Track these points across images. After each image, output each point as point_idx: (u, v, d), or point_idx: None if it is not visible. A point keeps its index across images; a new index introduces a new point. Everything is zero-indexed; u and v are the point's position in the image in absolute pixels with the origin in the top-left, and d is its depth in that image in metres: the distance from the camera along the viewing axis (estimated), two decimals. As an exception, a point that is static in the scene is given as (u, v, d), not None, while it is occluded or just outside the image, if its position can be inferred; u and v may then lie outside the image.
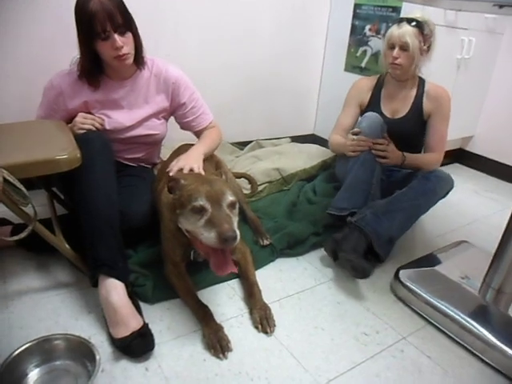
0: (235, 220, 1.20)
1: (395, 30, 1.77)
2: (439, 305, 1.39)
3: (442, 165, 2.63)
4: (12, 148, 1.34)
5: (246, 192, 2.07)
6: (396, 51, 1.78)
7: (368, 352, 1.27)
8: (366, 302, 1.49)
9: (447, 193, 1.80)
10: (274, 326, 1.32)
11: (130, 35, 1.46)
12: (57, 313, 1.32)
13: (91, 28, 1.38)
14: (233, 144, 2.57)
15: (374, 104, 1.96)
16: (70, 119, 1.57)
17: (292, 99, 2.78)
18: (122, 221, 1.39)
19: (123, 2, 1.44)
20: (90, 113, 1.59)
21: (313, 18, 2.63)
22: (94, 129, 1.52)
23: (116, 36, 1.41)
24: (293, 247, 1.71)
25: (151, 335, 1.20)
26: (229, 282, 1.52)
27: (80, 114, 1.53)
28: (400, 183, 1.85)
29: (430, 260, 1.63)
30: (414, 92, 1.90)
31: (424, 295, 1.43)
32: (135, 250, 1.57)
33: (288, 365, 1.20)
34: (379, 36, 2.30)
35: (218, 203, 1.18)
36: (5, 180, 1.16)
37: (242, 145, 2.60)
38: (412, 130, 1.91)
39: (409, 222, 1.69)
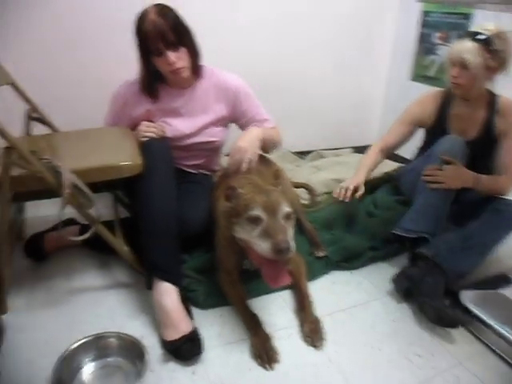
0: (290, 231, 1.19)
1: (455, 46, 1.61)
2: (502, 331, 1.29)
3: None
4: (82, 154, 1.44)
5: (304, 202, 2.06)
6: (455, 70, 1.60)
7: (421, 375, 1.21)
8: (422, 321, 1.41)
9: None
10: (324, 340, 1.30)
11: (183, 50, 1.52)
12: (113, 311, 1.39)
13: (146, 46, 1.48)
14: (294, 153, 2.57)
15: (440, 124, 1.80)
16: (134, 126, 1.64)
17: (355, 109, 2.74)
18: (180, 227, 1.44)
19: (177, 18, 1.51)
20: (151, 121, 1.66)
21: (378, 26, 2.58)
22: (156, 136, 1.58)
23: (168, 53, 1.48)
24: (348, 260, 1.67)
25: (200, 340, 1.23)
26: (280, 292, 1.51)
27: (143, 122, 1.60)
28: (472, 206, 1.71)
29: (496, 282, 1.51)
30: (483, 110, 1.72)
31: (485, 319, 1.34)
32: (191, 255, 1.61)
33: (335, 382, 1.17)
34: (448, 44, 2.20)
35: (273, 214, 1.17)
36: (73, 184, 1.25)
37: (303, 154, 2.59)
38: (482, 154, 1.73)
39: (484, 258, 1.56)
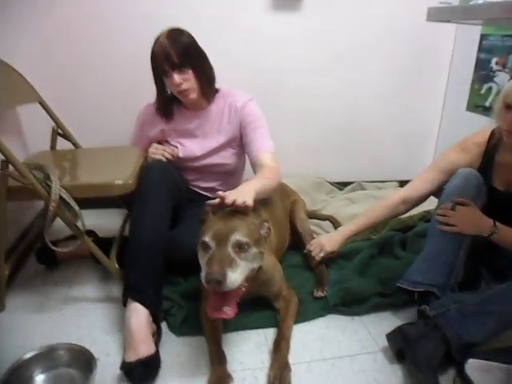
0: (242, 263, 1.12)
1: None
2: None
3: None
4: (79, 170, 1.53)
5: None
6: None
7: None
8: (414, 389, 1.22)
9: None
10: (288, 390, 1.18)
11: (189, 72, 1.54)
12: (94, 325, 1.42)
13: (156, 67, 1.55)
14: (333, 183, 2.45)
15: (484, 173, 1.51)
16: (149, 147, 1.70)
17: (405, 139, 2.53)
18: (171, 247, 1.44)
19: (187, 41, 1.55)
20: (166, 141, 1.71)
21: (434, 53, 2.38)
22: (163, 159, 1.61)
23: (174, 74, 1.52)
24: (350, 305, 1.52)
25: (156, 367, 1.21)
26: (265, 329, 1.43)
27: (153, 144, 1.66)
28: (508, 260, 1.48)
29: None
30: None
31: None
32: (186, 279, 1.59)
33: None
34: (506, 70, 1.94)
35: (223, 242, 1.12)
36: (61, 197, 1.32)
37: (343, 185, 2.46)
38: None
39: (501, 330, 1.29)
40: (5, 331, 1.37)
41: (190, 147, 1.71)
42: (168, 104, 1.68)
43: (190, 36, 1.58)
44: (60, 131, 1.73)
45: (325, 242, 1.66)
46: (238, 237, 1.13)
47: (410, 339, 1.27)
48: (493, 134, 1.51)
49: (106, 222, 1.95)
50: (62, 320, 1.44)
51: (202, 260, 1.16)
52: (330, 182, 2.46)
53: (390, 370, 1.28)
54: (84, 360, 1.18)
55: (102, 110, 2.13)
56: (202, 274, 1.11)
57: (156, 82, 1.63)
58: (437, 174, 1.57)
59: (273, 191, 1.56)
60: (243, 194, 1.33)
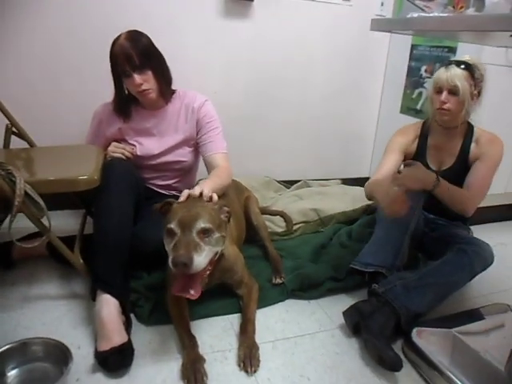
0: (206, 247, 1.20)
1: (443, 73, 1.65)
2: (448, 373, 1.23)
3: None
4: (44, 167, 1.53)
5: (279, 230, 2.06)
6: (444, 95, 1.64)
7: (350, 412, 1.16)
8: (367, 358, 1.36)
9: (484, 269, 1.59)
10: (257, 366, 1.27)
11: (149, 73, 1.61)
12: (60, 320, 1.42)
13: (115, 67, 1.59)
14: (280, 182, 2.59)
15: (419, 155, 1.82)
16: (108, 145, 1.72)
17: (346, 140, 2.74)
18: (136, 243, 1.48)
19: (146, 42, 1.61)
20: (124, 140, 1.74)
21: (371, 60, 2.61)
22: (123, 157, 1.65)
23: (135, 75, 1.58)
24: (306, 290, 1.64)
25: (131, 353, 1.24)
26: (229, 315, 1.51)
27: (112, 143, 1.69)
28: (443, 243, 1.68)
29: (452, 320, 1.46)
30: (461, 140, 1.75)
31: (432, 359, 1.28)
32: (149, 273, 1.63)
33: (257, 409, 1.15)
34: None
35: (188, 228, 1.19)
36: (26, 193, 1.31)
37: (289, 183, 2.61)
38: (459, 181, 1.72)
39: (440, 300, 1.50)
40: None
41: (147, 145, 1.75)
42: (125, 103, 1.72)
43: (148, 38, 1.64)
44: (14, 129, 1.70)
45: None
46: (201, 223, 1.20)
47: (364, 314, 1.42)
48: (425, 122, 1.83)
49: (59, 223, 1.93)
50: (24, 318, 1.41)
51: (168, 246, 1.22)
52: (277, 181, 2.59)
53: (347, 343, 1.42)
54: (59, 353, 1.19)
55: (56, 110, 2.11)
56: (169, 259, 1.16)
57: (114, 82, 1.66)
58: (395, 155, 1.82)
59: (225, 189, 1.65)
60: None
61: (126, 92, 1.71)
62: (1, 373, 1.15)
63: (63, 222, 1.91)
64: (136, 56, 1.56)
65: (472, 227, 1.96)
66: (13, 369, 1.17)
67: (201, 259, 1.17)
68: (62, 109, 2.11)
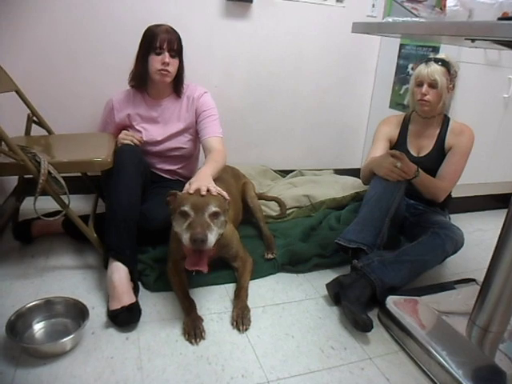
0: (215, 228, 1.39)
1: (424, 69, 1.84)
2: (414, 333, 1.41)
3: (495, 208, 2.58)
4: (63, 151, 1.72)
5: (273, 214, 2.24)
6: (425, 88, 1.83)
7: (327, 363, 1.34)
8: (346, 322, 1.54)
9: (456, 251, 1.78)
10: (249, 325, 1.46)
11: (176, 61, 1.86)
12: (76, 286, 1.61)
13: (152, 44, 1.80)
14: (276, 171, 2.77)
15: (401, 141, 2.03)
16: (118, 132, 1.92)
17: (339, 133, 2.92)
18: (144, 221, 1.68)
19: (181, 40, 1.87)
20: (131, 126, 1.95)
21: (363, 57, 2.79)
22: (132, 144, 1.84)
23: (167, 54, 1.81)
24: (295, 264, 1.83)
25: (138, 312, 1.43)
26: (226, 285, 1.69)
27: (123, 131, 1.88)
28: (420, 227, 1.87)
29: (423, 290, 1.64)
30: (438, 129, 1.94)
31: (401, 322, 1.46)
32: (154, 247, 1.82)
33: (247, 359, 1.33)
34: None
35: (200, 211, 1.38)
36: (49, 172, 1.50)
37: (285, 173, 2.78)
38: (435, 167, 1.93)
39: (414, 276, 1.68)
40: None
41: (152, 132, 1.95)
42: (143, 78, 1.90)
43: None
44: (35, 119, 1.89)
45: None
46: (213, 207, 1.40)
47: (343, 285, 1.60)
48: (406, 114, 2.06)
49: (74, 204, 2.12)
50: (44, 284, 1.60)
51: (181, 226, 1.39)
52: (274, 170, 2.77)
53: (329, 310, 1.61)
54: (77, 311, 1.38)
55: (71, 102, 2.29)
56: (186, 236, 1.34)
57: (140, 58, 1.86)
58: (383, 143, 2.04)
59: (222, 170, 1.82)
60: (202, 180, 1.56)
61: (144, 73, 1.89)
62: (29, 325, 1.35)
63: (78, 204, 2.11)
64: (175, 43, 1.82)
65: (454, 215, 2.15)
66: (38, 322, 1.37)
67: (212, 237, 1.35)
68: (76, 102, 2.30)
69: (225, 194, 1.52)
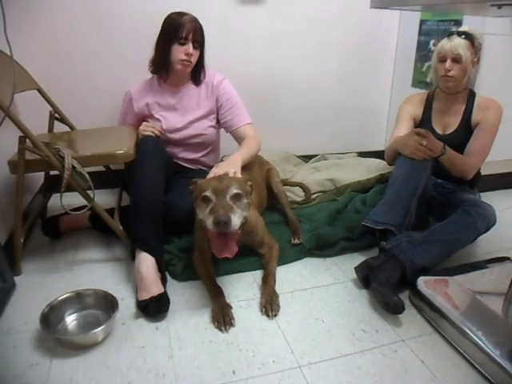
0: (238, 210, 1.37)
1: (446, 43, 1.77)
2: (447, 314, 1.37)
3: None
4: (85, 145, 1.74)
5: (298, 199, 2.22)
6: (448, 63, 1.77)
7: (359, 346, 1.32)
8: (377, 305, 1.51)
9: (488, 229, 1.72)
10: (278, 311, 1.45)
11: (198, 51, 1.87)
12: (105, 278, 1.63)
13: (176, 33, 1.79)
14: (299, 157, 2.74)
15: (425, 120, 1.97)
16: (138, 123, 1.94)
17: (361, 115, 2.86)
18: (169, 211, 1.68)
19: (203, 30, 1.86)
20: (151, 115, 1.96)
21: (383, 36, 2.71)
22: (153, 135, 1.84)
23: (191, 45, 1.81)
24: (322, 249, 1.81)
25: (167, 301, 1.44)
26: (253, 272, 1.69)
27: (143, 123, 1.89)
28: (449, 206, 1.81)
29: (455, 270, 1.59)
30: (464, 105, 1.87)
31: (434, 303, 1.42)
32: (180, 237, 1.82)
33: (277, 344, 1.32)
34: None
35: (222, 195, 1.37)
36: (73, 167, 1.52)
37: (308, 158, 2.75)
38: (463, 144, 1.86)
39: (445, 256, 1.63)
40: (26, 290, 1.55)
41: (171, 119, 1.96)
42: (164, 66, 1.90)
43: None
44: (57, 115, 1.91)
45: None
46: (234, 189, 1.39)
47: (373, 267, 1.57)
48: (430, 91, 1.99)
49: (99, 199, 2.15)
50: (74, 277, 1.63)
51: (203, 211, 1.38)
52: (296, 156, 2.74)
53: (358, 293, 1.58)
54: (107, 302, 1.40)
55: (92, 98, 2.32)
56: (209, 220, 1.33)
57: (162, 47, 1.85)
58: (406, 122, 1.98)
59: (255, 155, 1.87)
60: (232, 165, 1.61)
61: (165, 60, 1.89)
62: (61, 317, 1.37)
63: (104, 198, 2.13)
64: (199, 34, 1.83)
65: (484, 194, 2.09)
66: (70, 314, 1.40)
67: (236, 219, 1.34)
68: (97, 95, 2.32)
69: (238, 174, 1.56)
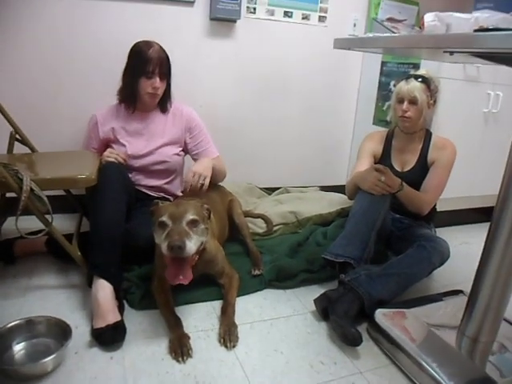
0: (194, 236, 1.38)
1: (404, 86, 1.88)
2: (404, 346, 1.40)
3: (480, 221, 2.60)
4: (46, 168, 1.71)
5: (260, 231, 2.23)
6: (405, 105, 1.87)
7: (317, 379, 1.32)
8: (336, 337, 1.51)
9: (442, 263, 1.79)
10: (236, 342, 1.43)
11: (165, 82, 1.90)
12: (59, 305, 1.57)
13: (143, 67, 1.82)
14: (262, 189, 2.77)
15: (385, 156, 2.05)
16: (102, 148, 1.94)
17: (324, 150, 2.95)
18: (130, 238, 1.66)
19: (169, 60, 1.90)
20: (116, 139, 1.96)
21: (346, 76, 2.84)
22: (116, 161, 1.82)
23: (158, 79, 1.84)
24: (282, 280, 1.81)
25: (123, 330, 1.40)
26: (212, 302, 1.67)
27: (108, 149, 1.88)
28: (406, 241, 1.87)
29: (412, 303, 1.63)
30: (421, 144, 1.98)
31: (391, 335, 1.45)
32: (140, 265, 1.79)
33: (235, 376, 1.30)
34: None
35: (178, 220, 1.38)
36: (31, 190, 1.48)
37: (271, 190, 2.79)
38: (419, 181, 1.95)
39: (401, 289, 1.67)
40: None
41: (136, 145, 1.96)
42: (132, 97, 1.93)
43: None
44: (18, 136, 1.87)
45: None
46: (190, 215, 1.40)
47: (332, 300, 1.59)
48: (389, 130, 2.09)
49: (58, 224, 2.09)
50: (26, 305, 1.56)
51: (160, 237, 1.39)
52: (259, 188, 2.78)
53: (318, 325, 1.59)
54: (59, 330, 1.34)
55: (53, 121, 2.29)
56: (164, 245, 1.34)
57: (129, 79, 1.88)
58: (368, 158, 2.06)
59: (221, 178, 2.02)
60: (205, 168, 1.87)
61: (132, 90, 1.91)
62: (8, 345, 1.30)
63: (63, 223, 2.07)
64: (166, 65, 1.86)
65: (439, 229, 2.17)
66: (18, 343, 1.32)
67: (191, 245, 1.35)
68: (60, 118, 2.29)
69: (207, 181, 1.83)
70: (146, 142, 1.97)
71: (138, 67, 1.84)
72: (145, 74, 1.83)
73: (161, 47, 1.87)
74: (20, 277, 1.74)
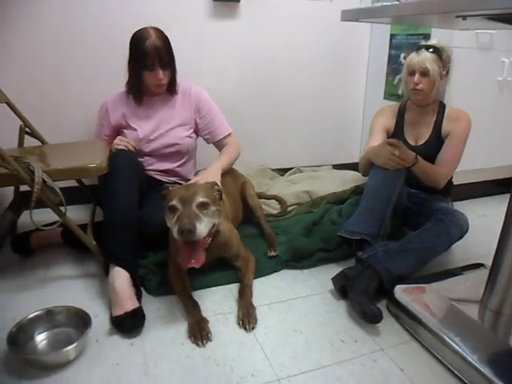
0: (205, 218, 1.37)
1: (415, 57, 1.82)
2: (425, 321, 1.37)
3: (498, 193, 2.55)
4: (57, 159, 1.70)
5: (275, 212, 2.21)
6: (417, 77, 1.81)
7: (338, 357, 1.31)
8: (355, 315, 1.50)
9: (461, 237, 1.75)
10: (255, 324, 1.43)
11: (169, 70, 1.86)
12: (77, 295, 1.58)
13: (143, 61, 1.79)
14: (274, 170, 2.75)
15: (398, 131, 2.00)
16: (114, 135, 1.94)
17: (335, 128, 2.90)
18: (144, 225, 1.65)
19: (169, 42, 1.85)
20: (127, 124, 1.96)
21: (354, 51, 2.78)
22: (126, 149, 1.81)
23: (160, 71, 1.81)
24: (299, 260, 1.80)
25: (142, 317, 1.40)
26: (229, 285, 1.66)
27: (118, 137, 1.87)
28: (423, 215, 1.83)
29: (432, 278, 1.60)
30: (434, 117, 1.92)
31: (411, 310, 1.43)
32: (155, 252, 1.79)
33: (255, 357, 1.30)
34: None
35: (188, 203, 1.37)
36: (43, 181, 1.48)
37: (283, 171, 2.76)
38: (434, 155, 1.90)
39: (420, 264, 1.64)
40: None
41: (147, 129, 1.95)
42: (139, 88, 1.93)
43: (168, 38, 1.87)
44: (28, 130, 1.87)
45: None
46: (199, 198, 1.38)
47: (349, 278, 1.57)
48: (401, 103, 2.03)
49: (72, 215, 2.10)
50: (45, 295, 1.57)
51: (171, 221, 1.38)
52: (272, 169, 2.75)
53: (336, 304, 1.58)
54: (80, 319, 1.35)
55: (64, 110, 2.28)
56: (174, 229, 1.33)
57: (133, 72, 1.86)
58: (379, 134, 2.02)
59: (235, 161, 1.98)
60: (212, 174, 1.75)
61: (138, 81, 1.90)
62: (30, 336, 1.31)
63: (77, 214, 2.07)
64: (165, 55, 1.81)
65: (457, 203, 2.13)
66: (40, 333, 1.34)
67: (202, 227, 1.33)
68: (69, 109, 2.28)
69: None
70: (156, 125, 1.96)
71: (138, 61, 1.82)
72: (146, 67, 1.81)
73: (158, 35, 1.81)
74: (38, 268, 1.76)
